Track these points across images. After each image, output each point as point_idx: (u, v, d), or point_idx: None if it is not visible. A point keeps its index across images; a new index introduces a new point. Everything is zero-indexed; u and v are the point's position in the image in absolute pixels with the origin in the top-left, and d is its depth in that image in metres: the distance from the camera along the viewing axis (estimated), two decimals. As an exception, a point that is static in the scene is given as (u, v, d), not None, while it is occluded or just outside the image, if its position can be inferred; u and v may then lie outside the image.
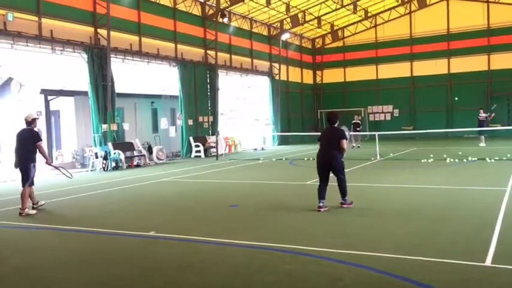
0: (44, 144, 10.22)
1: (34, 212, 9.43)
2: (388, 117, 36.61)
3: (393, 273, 5.06)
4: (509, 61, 32.48)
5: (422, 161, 17.03)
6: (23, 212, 9.22)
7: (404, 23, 35.89)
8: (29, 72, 19.01)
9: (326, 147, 8.78)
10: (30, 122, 9.67)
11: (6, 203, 10.80)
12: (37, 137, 9.58)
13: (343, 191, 8.83)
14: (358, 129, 26.18)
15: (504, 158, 16.82)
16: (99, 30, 19.48)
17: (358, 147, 25.27)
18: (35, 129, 9.85)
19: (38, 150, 9.53)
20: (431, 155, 18.04)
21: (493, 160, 16.36)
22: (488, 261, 5.35)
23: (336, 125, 9.08)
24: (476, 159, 17.00)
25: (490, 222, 7.23)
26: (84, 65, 18.82)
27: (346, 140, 8.81)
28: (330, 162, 8.74)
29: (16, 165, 9.59)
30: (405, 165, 16.39)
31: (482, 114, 23.71)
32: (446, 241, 6.31)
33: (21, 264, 5.98)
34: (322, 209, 8.55)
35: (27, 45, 17.02)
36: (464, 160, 16.87)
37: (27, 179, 9.43)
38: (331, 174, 8.84)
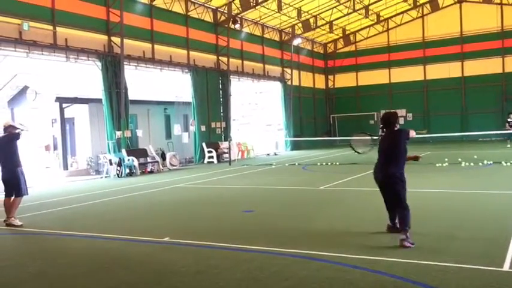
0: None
1: (20, 223, 8.92)
2: (402, 121, 36.31)
3: (410, 278, 5.01)
4: (524, 63, 32.14)
5: (437, 165, 16.87)
6: (7, 220, 8.90)
7: (417, 26, 35.69)
8: (44, 80, 19.30)
9: (384, 161, 6.75)
10: (7, 128, 9.18)
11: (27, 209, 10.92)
12: (16, 137, 9.04)
13: (399, 223, 6.64)
14: None
15: (520, 162, 16.59)
16: (112, 38, 19.69)
17: None
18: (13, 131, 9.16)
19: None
20: (446, 159, 17.87)
21: (509, 164, 16.15)
22: (506, 266, 5.27)
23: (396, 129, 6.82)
24: (491, 162, 16.79)
25: (507, 226, 7.13)
26: (98, 73, 19.03)
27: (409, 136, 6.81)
28: (388, 184, 6.75)
29: (2, 177, 9.20)
30: (420, 170, 16.23)
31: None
32: (463, 246, 6.24)
33: (40, 270, 6.04)
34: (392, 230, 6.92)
35: (42, 54, 17.27)
36: (480, 164, 16.68)
37: (19, 188, 8.97)
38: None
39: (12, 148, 9.06)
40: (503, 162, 16.40)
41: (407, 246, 6.17)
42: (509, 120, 25.17)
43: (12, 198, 9.04)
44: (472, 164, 16.70)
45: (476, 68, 33.70)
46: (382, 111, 36.00)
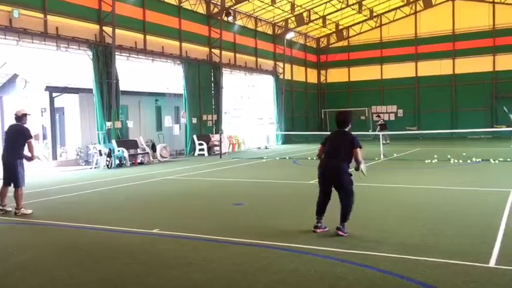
0: (33, 141, 9.50)
1: (30, 211, 9.04)
2: (392, 117, 36.54)
3: (397, 273, 5.07)
4: (514, 62, 32.39)
5: (426, 161, 17.01)
6: (18, 212, 8.95)
7: (410, 23, 35.80)
8: (34, 69, 19.07)
9: (332, 155, 6.98)
10: (20, 118, 9.21)
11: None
12: (28, 134, 9.11)
13: (343, 214, 6.82)
14: (386, 128, 28.03)
15: (508, 160, 16.76)
16: (104, 28, 19.52)
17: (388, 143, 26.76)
18: (25, 125, 9.28)
19: (27, 148, 9.11)
20: (435, 156, 18.00)
21: (497, 161, 16.32)
22: (492, 263, 5.35)
23: (347, 129, 7.10)
24: (480, 160, 16.95)
25: (494, 223, 7.22)
26: (89, 63, 18.86)
27: (361, 148, 6.88)
28: (334, 175, 6.92)
29: (2, 162, 9.22)
30: (409, 166, 16.37)
31: None
32: (450, 242, 6.31)
33: (26, 261, 6.01)
34: (319, 230, 6.93)
35: (32, 42, 17.07)
36: (469, 161, 16.83)
37: (16, 178, 8.97)
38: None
39: (19, 142, 9.09)
40: (491, 160, 16.57)
41: (343, 234, 6.72)
42: None
43: (10, 188, 9.07)
44: (460, 161, 16.86)
45: (467, 65, 33.93)
46: (374, 107, 36.44)
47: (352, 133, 7.07)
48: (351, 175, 6.90)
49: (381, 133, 24.11)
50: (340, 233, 6.71)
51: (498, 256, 5.55)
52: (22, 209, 9.00)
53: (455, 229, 7.05)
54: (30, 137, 9.16)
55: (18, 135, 9.10)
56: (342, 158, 6.84)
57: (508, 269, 5.13)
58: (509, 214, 7.89)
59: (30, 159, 9.30)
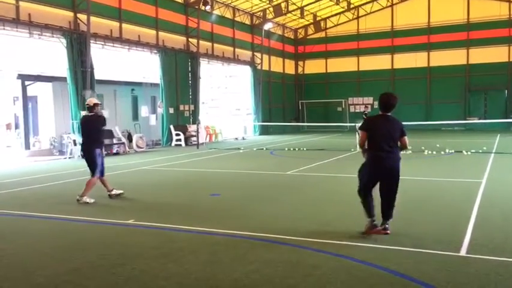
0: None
1: (93, 200, 8.89)
2: (369, 108, 36.86)
3: (371, 262, 5.14)
4: (487, 56, 33.03)
5: (401, 152, 17.23)
6: (80, 199, 8.83)
7: (386, 15, 36.11)
8: (5, 56, 18.59)
9: (386, 147, 6.18)
10: (92, 107, 9.27)
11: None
12: (102, 122, 9.33)
13: (389, 211, 6.28)
14: None
15: (480, 151, 17.15)
16: (78, 15, 19.11)
17: None
18: (99, 113, 9.45)
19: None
20: (410, 147, 18.25)
21: (469, 153, 16.68)
22: (463, 251, 5.48)
23: (390, 113, 6.42)
24: (453, 151, 17.30)
25: (465, 213, 7.39)
26: (63, 50, 18.47)
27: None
28: (393, 170, 6.21)
29: (82, 153, 9.43)
30: (384, 157, 16.58)
31: None
32: (423, 231, 6.43)
33: (1, 252, 5.89)
34: (380, 228, 6.25)
35: (4, 29, 16.62)
36: (442, 152, 17.16)
37: (95, 167, 9.08)
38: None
39: (95, 131, 9.21)
40: (464, 151, 16.92)
41: (386, 233, 6.20)
42: None
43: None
44: (434, 152, 17.17)
45: (441, 58, 34.46)
46: (350, 99, 36.74)
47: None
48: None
49: None
50: (389, 231, 6.19)
51: (469, 245, 5.69)
52: (85, 197, 8.90)
53: (427, 218, 7.19)
54: (104, 124, 9.39)
55: (94, 123, 9.26)
56: (396, 149, 6.27)
57: (478, 257, 5.26)
58: (480, 204, 8.09)
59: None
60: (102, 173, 9.31)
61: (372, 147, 6.29)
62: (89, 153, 9.14)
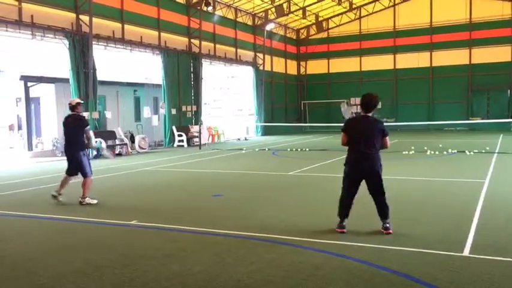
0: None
1: (95, 201, 8.82)
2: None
3: (373, 262, 5.13)
4: (489, 55, 32.95)
5: (404, 152, 17.24)
6: (83, 201, 8.76)
7: (389, 15, 36.07)
8: (8, 58, 18.65)
9: (363, 146, 6.27)
10: (74, 107, 9.02)
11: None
12: (85, 121, 9.08)
13: (383, 210, 6.35)
14: None
15: (483, 151, 17.11)
16: (81, 16, 19.15)
17: None
18: (81, 114, 9.24)
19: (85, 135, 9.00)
20: (413, 147, 18.27)
21: (472, 153, 16.64)
22: (466, 252, 5.46)
23: (371, 114, 6.49)
24: (456, 151, 17.27)
25: (468, 213, 7.37)
26: (65, 52, 18.51)
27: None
28: (370, 169, 6.29)
29: (65, 153, 9.18)
30: (386, 157, 16.51)
31: None
32: (426, 232, 6.41)
33: (4, 253, 5.89)
34: (345, 230, 6.39)
35: (6, 30, 16.66)
36: (445, 152, 17.13)
37: (83, 168, 8.84)
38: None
39: (78, 132, 8.95)
40: (466, 152, 16.89)
41: (389, 232, 6.24)
42: None
43: (74, 178, 9.03)
44: (437, 152, 17.14)
45: (444, 58, 34.39)
46: (352, 99, 36.72)
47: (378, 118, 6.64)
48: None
49: None
50: (391, 231, 6.23)
51: (472, 245, 5.67)
52: (87, 199, 8.81)
53: (430, 219, 7.17)
54: (87, 124, 9.10)
55: (74, 124, 8.98)
56: (376, 148, 6.29)
57: (481, 258, 5.25)
58: (483, 204, 8.07)
59: (88, 147, 9.31)
60: (72, 174, 9.02)
61: (350, 147, 6.45)
62: (73, 156, 8.92)
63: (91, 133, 9.35)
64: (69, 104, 9.18)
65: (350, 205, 6.45)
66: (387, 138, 6.40)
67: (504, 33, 32.56)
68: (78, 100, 9.24)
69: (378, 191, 6.37)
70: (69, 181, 9.13)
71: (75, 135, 8.96)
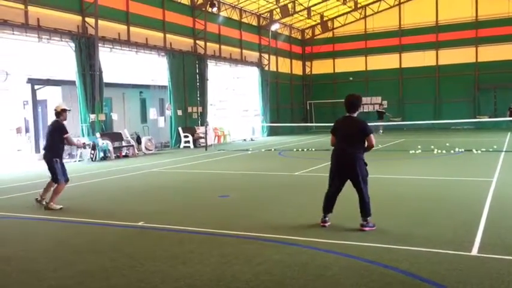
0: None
1: (59, 207, 8.68)
2: (377, 108, 36.71)
3: (382, 262, 5.12)
4: (496, 53, 32.73)
5: (411, 152, 17.17)
6: (47, 205, 8.69)
7: (394, 14, 35.94)
8: (15, 60, 18.75)
9: (345, 144, 6.62)
10: (59, 113, 8.93)
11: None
12: (64, 129, 8.90)
13: (365, 209, 6.51)
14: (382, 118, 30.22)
15: (490, 150, 17.01)
16: (86, 19, 19.24)
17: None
18: (61, 122, 9.01)
19: (66, 142, 8.99)
20: (419, 146, 18.19)
21: (479, 151, 16.55)
22: (474, 251, 5.43)
23: (355, 114, 6.73)
24: (463, 150, 17.18)
25: (476, 212, 7.32)
26: (71, 54, 18.60)
27: (372, 133, 6.61)
28: (350, 166, 6.54)
29: (44, 158, 9.14)
30: (393, 156, 16.51)
31: None
32: (433, 231, 6.38)
33: (9, 254, 5.93)
34: (327, 224, 6.71)
35: (13, 34, 16.77)
36: (452, 151, 17.05)
37: (57, 175, 8.81)
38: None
39: (56, 139, 8.89)
40: (473, 150, 16.80)
41: (371, 228, 6.47)
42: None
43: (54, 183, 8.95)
44: (444, 151, 17.05)
45: (450, 57, 34.21)
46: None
47: (361, 119, 6.79)
48: (367, 164, 6.63)
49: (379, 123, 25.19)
50: (367, 229, 6.39)
51: (480, 244, 5.64)
52: (51, 204, 8.73)
53: (438, 218, 7.14)
54: (66, 131, 8.97)
55: (54, 131, 8.93)
56: (357, 146, 6.54)
57: (490, 257, 5.21)
58: (491, 203, 8.02)
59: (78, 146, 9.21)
60: (57, 180, 8.90)
61: (334, 146, 6.88)
62: (49, 162, 8.89)
63: (73, 140, 9.30)
64: (55, 109, 9.07)
65: (332, 200, 6.77)
66: (371, 136, 6.55)
67: (510, 31, 32.33)
68: (64, 107, 9.06)
69: (357, 189, 6.61)
70: (50, 189, 9.06)
71: (51, 142, 8.93)
